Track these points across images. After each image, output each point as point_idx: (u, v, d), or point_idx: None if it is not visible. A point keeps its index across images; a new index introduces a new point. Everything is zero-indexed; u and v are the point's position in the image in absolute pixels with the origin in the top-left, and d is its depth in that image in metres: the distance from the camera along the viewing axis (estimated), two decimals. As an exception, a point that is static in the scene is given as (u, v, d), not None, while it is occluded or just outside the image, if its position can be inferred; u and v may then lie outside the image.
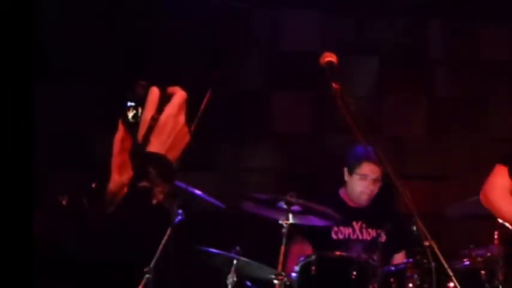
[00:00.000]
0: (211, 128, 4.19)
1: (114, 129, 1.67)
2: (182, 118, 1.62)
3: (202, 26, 5.04)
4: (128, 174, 1.64)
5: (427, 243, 2.63)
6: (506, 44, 5.45)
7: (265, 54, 5.26)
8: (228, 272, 4.00)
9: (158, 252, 2.11)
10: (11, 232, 1.49)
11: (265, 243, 4.15)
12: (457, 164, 5.36)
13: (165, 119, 1.59)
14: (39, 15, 1.73)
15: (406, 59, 5.42)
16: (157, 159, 1.57)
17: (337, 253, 4.08)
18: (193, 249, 4.03)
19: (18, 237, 1.49)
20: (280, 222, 4.04)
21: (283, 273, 3.89)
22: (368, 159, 4.36)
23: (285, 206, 4.06)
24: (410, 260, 3.85)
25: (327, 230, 4.41)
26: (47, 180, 1.70)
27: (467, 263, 3.94)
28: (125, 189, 1.62)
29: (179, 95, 1.62)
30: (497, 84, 5.43)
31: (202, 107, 3.38)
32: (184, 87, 1.64)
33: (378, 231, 4.41)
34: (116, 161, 1.68)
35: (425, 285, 3.72)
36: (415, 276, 3.76)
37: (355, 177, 4.48)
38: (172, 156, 1.60)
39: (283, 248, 3.96)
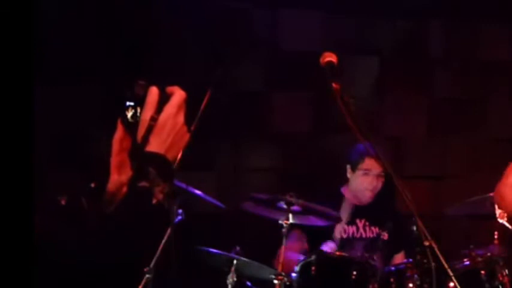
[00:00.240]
0: (211, 128, 4.19)
1: (113, 129, 1.67)
2: (181, 118, 1.62)
3: (202, 26, 5.04)
4: (127, 174, 1.65)
5: (427, 243, 2.63)
6: (506, 44, 5.45)
7: (265, 54, 5.26)
8: (228, 272, 4.00)
9: (158, 252, 2.11)
10: (11, 232, 1.49)
11: (265, 243, 4.15)
12: (457, 164, 5.37)
13: (164, 118, 1.59)
14: (39, 15, 1.73)
15: (406, 59, 5.42)
16: (157, 159, 1.57)
17: (337, 253, 4.08)
18: (193, 249, 4.03)
19: (18, 237, 1.49)
20: (280, 222, 4.04)
21: (283, 273, 3.89)
22: (371, 154, 4.38)
23: (285, 206, 4.06)
24: (410, 260, 3.86)
25: (329, 229, 4.42)
26: (46, 180, 1.70)
27: (467, 263, 3.93)
28: (124, 189, 1.62)
29: (178, 94, 1.62)
30: (497, 84, 5.44)
31: (202, 107, 3.39)
32: (184, 87, 1.64)
33: (381, 229, 4.45)
34: (115, 160, 1.68)
35: (425, 285, 3.72)
36: (415, 276, 3.76)
37: (359, 173, 4.48)
38: (172, 156, 1.60)
39: (283, 248, 3.97)
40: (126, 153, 1.66)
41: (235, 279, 3.99)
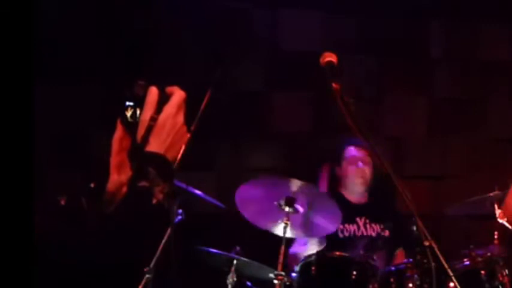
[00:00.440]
0: (211, 128, 4.19)
1: (113, 129, 1.67)
2: (181, 118, 1.62)
3: (202, 26, 5.04)
4: (126, 174, 1.65)
5: (427, 243, 2.63)
6: (506, 44, 5.45)
7: (265, 54, 5.26)
8: (228, 272, 4.00)
9: (158, 252, 2.11)
10: (11, 232, 1.49)
11: (265, 243, 4.14)
12: (457, 164, 5.37)
13: (164, 118, 1.59)
14: (39, 15, 1.72)
15: (406, 59, 5.42)
16: (157, 159, 1.57)
17: (337, 253, 4.08)
18: (193, 249, 4.03)
19: (18, 237, 1.49)
20: (280, 222, 4.04)
21: (283, 273, 3.89)
22: (351, 143, 4.60)
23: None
24: (411, 260, 3.86)
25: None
26: (46, 180, 1.70)
27: (467, 263, 3.93)
28: (124, 189, 1.62)
29: (178, 94, 1.62)
30: (497, 84, 5.43)
31: (202, 107, 3.38)
32: (184, 87, 1.64)
33: (381, 226, 4.53)
34: (114, 160, 1.68)
35: (425, 285, 3.72)
36: (415, 276, 3.76)
37: (345, 164, 4.63)
38: (172, 156, 1.60)
39: (283, 248, 3.96)
40: (125, 153, 1.66)
41: (235, 279, 3.99)
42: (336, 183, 4.72)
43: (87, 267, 1.51)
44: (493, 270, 3.89)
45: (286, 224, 4.00)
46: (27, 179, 1.52)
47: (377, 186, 4.65)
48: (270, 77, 5.25)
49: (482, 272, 3.89)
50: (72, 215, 1.65)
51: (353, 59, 5.24)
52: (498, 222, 3.86)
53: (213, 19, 5.04)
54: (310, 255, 3.97)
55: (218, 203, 4.19)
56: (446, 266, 2.62)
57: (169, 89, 1.62)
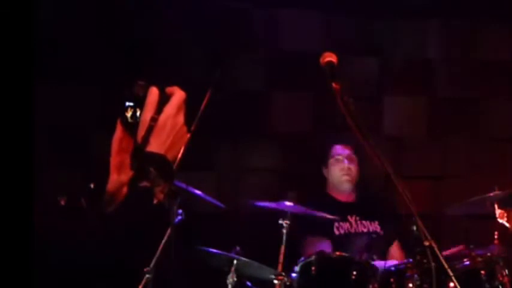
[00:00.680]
0: (211, 128, 4.19)
1: (113, 129, 1.67)
2: (181, 118, 1.62)
3: (202, 26, 5.04)
4: (126, 174, 1.65)
5: (427, 243, 2.63)
6: (506, 44, 5.45)
7: (265, 54, 5.26)
8: (228, 272, 4.00)
9: (158, 252, 2.11)
10: (11, 232, 1.49)
11: (265, 243, 4.15)
12: (457, 164, 5.36)
13: (164, 119, 1.59)
14: (39, 15, 1.72)
15: (406, 59, 5.42)
16: (157, 159, 1.57)
17: (337, 253, 4.09)
18: (193, 249, 4.03)
19: (18, 237, 1.49)
20: (280, 222, 4.05)
21: (283, 273, 3.89)
22: (335, 142, 4.69)
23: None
24: (411, 260, 3.86)
25: (329, 227, 4.46)
26: (46, 180, 1.70)
27: (467, 263, 3.94)
28: (124, 189, 1.62)
29: (178, 95, 1.62)
30: (497, 84, 5.43)
31: (202, 107, 3.39)
32: (184, 87, 1.64)
33: (372, 223, 4.60)
34: (114, 160, 1.68)
35: (425, 285, 3.72)
36: (415, 276, 3.76)
37: (330, 163, 4.69)
38: (172, 156, 1.60)
39: (283, 248, 3.97)
40: (125, 153, 1.66)
41: (235, 279, 3.99)
42: (324, 185, 4.78)
43: (87, 267, 1.51)
44: (493, 270, 3.89)
45: (286, 223, 4.01)
46: (27, 179, 1.52)
47: (365, 184, 4.72)
48: (270, 77, 5.25)
49: (482, 272, 3.89)
50: (72, 215, 1.65)
51: (353, 59, 5.24)
52: (498, 222, 3.86)
53: (213, 19, 5.04)
54: (310, 255, 3.98)
55: (218, 203, 4.19)
56: (446, 266, 2.62)
57: (169, 89, 1.62)
